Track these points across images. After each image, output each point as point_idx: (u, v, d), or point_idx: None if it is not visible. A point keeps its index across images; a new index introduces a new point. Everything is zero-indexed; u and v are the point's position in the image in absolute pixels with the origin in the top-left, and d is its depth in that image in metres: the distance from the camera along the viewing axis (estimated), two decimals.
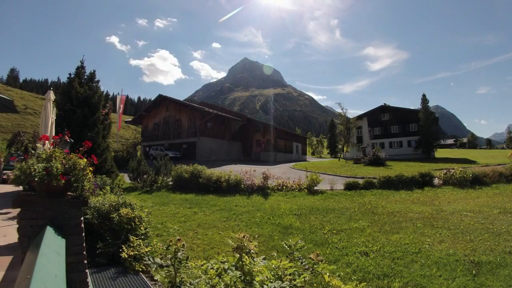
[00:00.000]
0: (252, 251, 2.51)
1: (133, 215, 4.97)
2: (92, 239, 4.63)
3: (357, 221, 7.47)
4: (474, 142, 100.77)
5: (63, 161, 2.45)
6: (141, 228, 5.09)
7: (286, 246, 3.37)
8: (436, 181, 13.06)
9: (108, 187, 7.83)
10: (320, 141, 77.99)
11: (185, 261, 3.46)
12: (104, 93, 13.05)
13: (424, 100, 39.82)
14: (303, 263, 3.08)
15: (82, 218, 2.54)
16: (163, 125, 34.61)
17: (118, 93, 29.66)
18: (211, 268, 2.71)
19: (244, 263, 2.42)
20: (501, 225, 6.62)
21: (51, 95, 6.42)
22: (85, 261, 2.46)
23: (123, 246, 4.45)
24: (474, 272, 4.46)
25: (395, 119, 42.85)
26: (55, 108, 6.80)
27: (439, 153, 42.02)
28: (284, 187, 11.94)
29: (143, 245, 4.59)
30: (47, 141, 2.89)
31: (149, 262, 3.73)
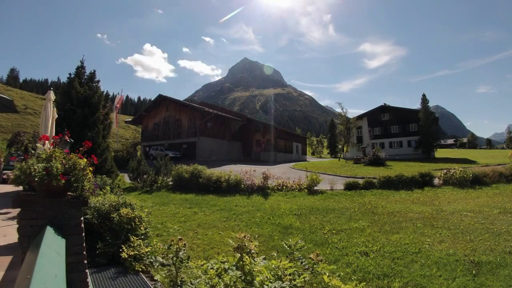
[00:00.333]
0: (252, 251, 2.51)
1: (133, 215, 4.97)
2: (92, 239, 4.63)
3: (357, 221, 7.47)
4: (474, 142, 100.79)
5: (63, 161, 2.45)
6: (141, 228, 5.10)
7: (286, 246, 3.37)
8: (436, 181, 13.06)
9: (108, 187, 7.83)
10: (320, 141, 77.99)
11: (186, 261, 3.46)
12: (104, 93, 13.04)
13: (424, 100, 39.84)
14: (303, 263, 3.08)
15: (82, 218, 2.54)
16: (163, 125, 34.62)
17: (118, 93, 29.65)
18: (211, 268, 2.71)
19: (244, 263, 2.42)
20: (501, 225, 6.62)
21: (51, 95, 6.42)
22: (85, 261, 2.46)
23: (123, 246, 4.45)
24: (474, 272, 4.46)
25: (395, 119, 42.86)
26: (55, 108, 6.80)
27: (439, 153, 42.03)
28: (284, 187, 11.94)
29: (143, 245, 4.60)
30: (47, 141, 2.89)
31: (150, 262, 3.74)
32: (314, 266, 2.88)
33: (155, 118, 35.60)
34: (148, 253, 4.46)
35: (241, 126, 38.18)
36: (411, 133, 41.05)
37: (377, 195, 10.94)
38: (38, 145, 2.71)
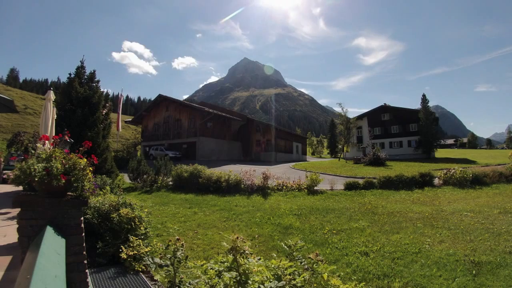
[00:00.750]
0: (246, 251, 2.51)
1: (133, 215, 4.97)
2: (92, 239, 4.63)
3: (357, 221, 7.47)
4: (474, 142, 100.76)
5: (63, 161, 2.45)
6: (141, 228, 5.09)
7: (286, 246, 3.37)
8: (436, 181, 13.06)
9: (108, 187, 7.82)
10: (320, 141, 77.99)
11: (184, 261, 3.46)
12: (104, 93, 13.03)
13: (424, 100, 39.87)
14: (303, 263, 3.08)
15: (82, 218, 2.54)
16: (163, 125, 34.62)
17: (119, 93, 29.62)
18: (211, 268, 2.71)
19: (239, 263, 2.43)
20: (501, 225, 6.62)
21: (51, 95, 6.42)
22: (85, 261, 2.46)
23: (123, 246, 4.45)
24: (474, 272, 4.46)
25: (395, 119, 42.87)
26: (55, 108, 6.80)
27: (439, 153, 42.03)
28: (284, 187, 11.94)
29: (143, 245, 4.59)
30: (47, 141, 2.89)
31: (149, 262, 3.73)
32: (314, 266, 2.88)
33: (155, 118, 35.60)
34: (148, 253, 4.46)
35: (241, 126, 38.17)
36: (411, 133, 41.06)
37: (377, 195, 10.94)
38: (38, 145, 2.71)
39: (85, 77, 11.90)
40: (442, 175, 13.20)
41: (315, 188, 11.81)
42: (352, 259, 5.17)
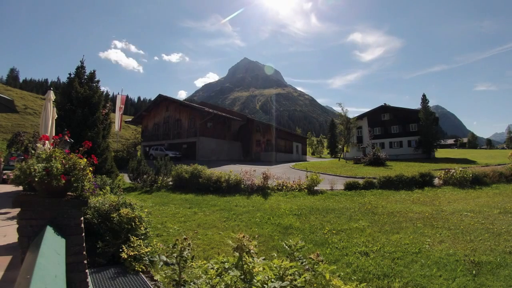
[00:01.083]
0: (252, 250, 2.51)
1: (133, 215, 4.97)
2: (92, 239, 4.63)
3: (357, 221, 7.46)
4: (474, 142, 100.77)
5: (63, 161, 2.45)
6: (141, 228, 5.09)
7: (286, 246, 3.37)
8: (436, 181, 13.06)
9: (108, 187, 7.82)
10: (320, 141, 77.99)
11: (190, 260, 3.46)
12: (104, 93, 13.04)
13: (424, 100, 39.90)
14: (303, 263, 3.07)
15: (82, 218, 2.54)
16: (163, 125, 34.62)
17: (118, 93, 29.61)
18: (212, 268, 2.71)
19: (244, 262, 2.42)
20: (501, 225, 6.62)
21: (51, 95, 6.42)
22: (85, 261, 2.45)
23: (123, 246, 4.45)
24: (474, 272, 4.46)
25: (395, 119, 42.90)
26: (55, 108, 6.80)
27: (439, 153, 42.05)
28: (284, 187, 11.94)
29: (143, 245, 4.59)
30: (47, 141, 2.89)
31: (153, 260, 3.74)
32: (315, 266, 2.88)
33: (155, 118, 35.60)
34: (148, 253, 4.45)
35: (241, 126, 38.17)
36: (411, 133, 41.08)
37: (377, 195, 10.94)
38: (38, 145, 2.70)
39: (85, 77, 11.91)
40: (442, 175, 13.20)
41: (315, 188, 11.81)
42: (352, 259, 5.17)
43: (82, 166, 2.54)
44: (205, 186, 11.62)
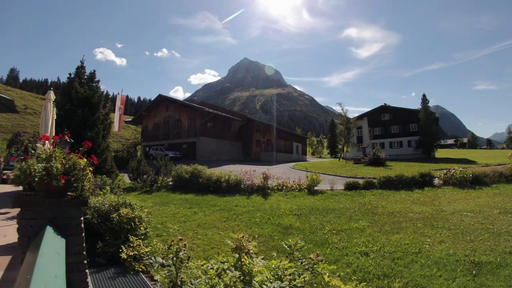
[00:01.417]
0: (251, 251, 2.51)
1: (133, 215, 4.97)
2: (92, 239, 4.64)
3: (357, 221, 7.46)
4: (474, 142, 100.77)
5: (63, 161, 2.45)
6: (141, 228, 5.09)
7: (286, 246, 3.37)
8: (436, 181, 13.06)
9: (108, 187, 7.82)
10: (320, 141, 78.00)
11: (186, 261, 3.46)
12: (104, 93, 13.04)
13: (424, 100, 39.92)
14: (303, 263, 3.08)
15: (82, 218, 2.54)
16: (163, 125, 34.62)
17: (118, 93, 29.61)
18: (211, 268, 2.71)
19: (243, 263, 2.42)
20: (501, 225, 6.62)
21: (51, 95, 6.42)
22: (85, 261, 2.45)
23: (122, 246, 4.45)
24: (474, 272, 4.46)
25: (395, 119, 42.91)
26: (55, 108, 6.80)
27: (439, 153, 42.05)
28: (284, 187, 11.94)
29: (143, 245, 4.59)
30: (47, 141, 2.89)
31: (150, 262, 3.73)
32: (314, 266, 2.88)
33: (155, 118, 35.61)
34: (148, 253, 4.45)
35: (241, 126, 38.18)
36: (411, 133, 41.09)
37: (377, 195, 10.94)
38: (38, 145, 2.71)
39: (85, 77, 11.91)
40: (442, 175, 13.20)
41: (315, 188, 11.80)
42: (352, 259, 5.17)
43: (82, 166, 2.54)
44: (205, 186, 11.62)
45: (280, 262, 2.62)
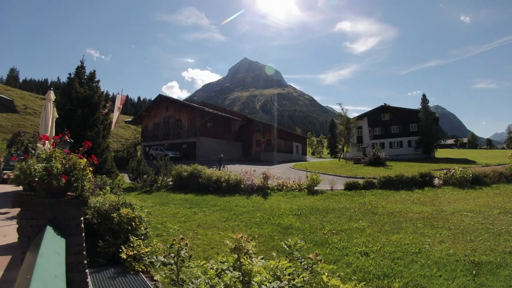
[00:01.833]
0: (250, 251, 2.51)
1: (133, 215, 4.97)
2: (92, 239, 4.64)
3: (357, 221, 7.46)
4: (474, 142, 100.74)
5: (63, 161, 2.45)
6: (141, 228, 5.09)
7: (286, 246, 3.37)
8: (436, 181, 13.05)
9: (108, 187, 7.83)
10: (320, 141, 77.98)
11: (187, 260, 3.47)
12: (104, 93, 13.03)
13: (424, 100, 39.92)
14: (303, 263, 3.08)
15: (82, 218, 2.54)
16: (163, 125, 34.62)
17: (118, 93, 29.63)
18: (211, 268, 2.71)
19: (242, 263, 2.42)
20: (501, 225, 6.62)
21: (51, 95, 6.41)
22: (85, 261, 2.46)
23: (122, 246, 4.45)
24: (474, 272, 4.46)
25: (395, 119, 42.91)
26: (55, 108, 6.80)
27: (439, 153, 42.03)
28: (284, 187, 11.94)
29: (143, 245, 4.60)
30: (47, 141, 2.90)
31: (151, 261, 3.74)
32: (313, 266, 2.88)
33: (155, 118, 35.61)
34: (148, 253, 4.46)
35: (241, 126, 38.18)
36: (411, 133, 41.09)
37: (377, 195, 10.94)
38: (38, 145, 2.71)
39: (85, 77, 11.91)
40: (442, 175, 13.19)
41: (315, 188, 11.80)
42: (352, 259, 5.17)
43: (82, 166, 2.54)
44: (205, 186, 11.63)
45: (279, 262, 2.62)
